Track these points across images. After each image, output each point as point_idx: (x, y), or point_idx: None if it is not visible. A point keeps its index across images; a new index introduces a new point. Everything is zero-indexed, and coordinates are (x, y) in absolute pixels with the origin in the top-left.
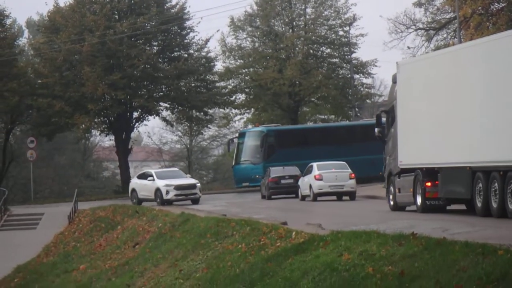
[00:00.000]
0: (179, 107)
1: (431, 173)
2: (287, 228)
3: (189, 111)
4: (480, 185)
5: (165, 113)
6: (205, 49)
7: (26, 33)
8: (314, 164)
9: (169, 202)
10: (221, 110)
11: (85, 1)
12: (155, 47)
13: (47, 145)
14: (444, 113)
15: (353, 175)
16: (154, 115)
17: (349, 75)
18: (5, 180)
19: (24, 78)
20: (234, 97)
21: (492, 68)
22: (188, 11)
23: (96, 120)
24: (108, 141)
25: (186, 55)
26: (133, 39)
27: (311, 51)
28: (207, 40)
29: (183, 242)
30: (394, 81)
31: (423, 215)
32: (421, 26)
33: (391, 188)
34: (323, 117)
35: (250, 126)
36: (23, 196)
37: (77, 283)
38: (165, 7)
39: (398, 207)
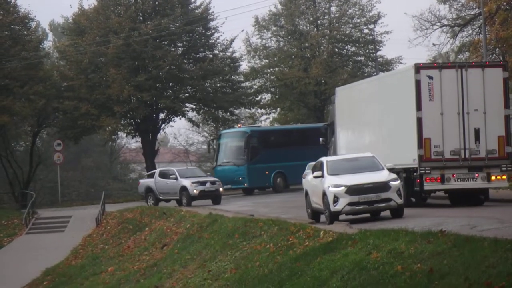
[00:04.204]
0: (205, 108)
1: None
2: (315, 227)
3: (215, 111)
4: None
5: (191, 114)
6: (230, 49)
7: (50, 36)
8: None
9: (334, 217)
10: (247, 110)
11: (109, 3)
12: (180, 48)
13: (74, 148)
14: (363, 129)
15: None
16: (180, 116)
17: (375, 73)
18: (33, 183)
19: (49, 81)
20: (259, 97)
21: (384, 99)
22: (213, 12)
23: (122, 122)
24: (134, 143)
25: (211, 56)
26: (158, 40)
27: (336, 49)
28: (232, 40)
29: (211, 243)
30: (333, 101)
31: (451, 212)
32: (446, 22)
33: None
34: None
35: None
36: (51, 199)
37: (106, 285)
38: (190, 8)
39: None
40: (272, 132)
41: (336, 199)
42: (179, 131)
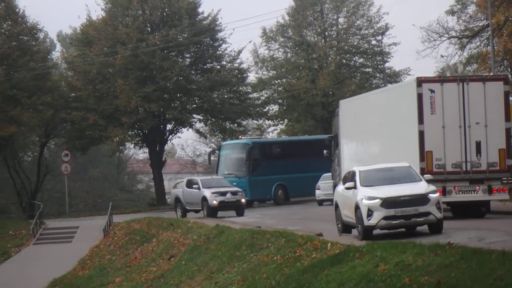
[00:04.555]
0: (212, 119)
1: None
2: (322, 239)
3: (222, 122)
4: None
5: (198, 125)
6: (238, 60)
7: (58, 47)
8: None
9: (368, 232)
10: (255, 121)
11: (117, 14)
12: (187, 59)
13: (82, 159)
14: (366, 141)
15: None
16: (188, 127)
17: (382, 85)
18: (40, 194)
19: (57, 91)
20: (267, 108)
21: (387, 112)
22: (220, 23)
23: (130, 132)
24: (142, 153)
25: (218, 67)
26: (165, 51)
27: (344, 60)
28: (240, 52)
29: (218, 254)
30: (337, 114)
31: (459, 224)
32: (454, 34)
33: None
34: None
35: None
36: (58, 210)
37: None
38: (197, 18)
39: None
40: (273, 144)
41: (370, 212)
42: (186, 142)
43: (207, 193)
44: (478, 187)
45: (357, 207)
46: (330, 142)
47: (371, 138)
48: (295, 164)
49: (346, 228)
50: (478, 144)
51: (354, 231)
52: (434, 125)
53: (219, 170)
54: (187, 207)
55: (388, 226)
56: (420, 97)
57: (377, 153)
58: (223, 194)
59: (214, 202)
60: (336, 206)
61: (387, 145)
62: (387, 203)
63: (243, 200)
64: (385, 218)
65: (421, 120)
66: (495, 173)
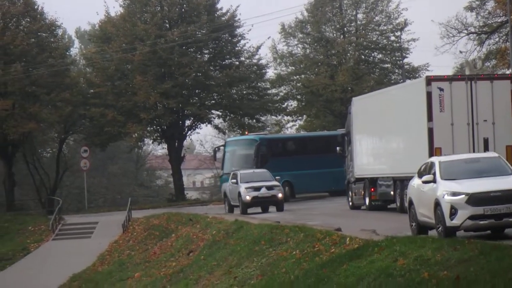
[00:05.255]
0: (231, 115)
1: (373, 181)
2: (341, 234)
3: (241, 118)
4: (398, 190)
5: (217, 121)
6: (256, 56)
7: (76, 43)
8: None
9: (451, 234)
10: (273, 117)
11: (136, 11)
12: (206, 55)
13: (101, 155)
14: (378, 138)
15: None
16: (206, 123)
17: (401, 80)
18: (59, 190)
19: (76, 88)
20: (286, 104)
21: (398, 109)
22: (239, 19)
23: (148, 128)
24: (160, 149)
25: (237, 63)
26: (184, 47)
27: (363, 56)
28: (258, 47)
29: (237, 249)
30: (350, 112)
31: None
32: (473, 30)
33: (350, 192)
34: None
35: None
36: (77, 206)
37: None
38: (216, 15)
39: (355, 207)
40: (280, 140)
41: (453, 211)
42: (205, 138)
43: (242, 188)
44: None
45: (437, 205)
46: (343, 139)
47: (382, 134)
48: (302, 161)
49: (422, 229)
50: (485, 141)
51: (432, 233)
52: (443, 122)
53: (224, 167)
54: (232, 203)
55: (474, 227)
56: (429, 95)
57: (388, 149)
58: (257, 189)
59: (247, 197)
60: (410, 204)
61: (398, 141)
62: (474, 199)
63: (279, 195)
64: (472, 217)
65: (430, 118)
66: None
